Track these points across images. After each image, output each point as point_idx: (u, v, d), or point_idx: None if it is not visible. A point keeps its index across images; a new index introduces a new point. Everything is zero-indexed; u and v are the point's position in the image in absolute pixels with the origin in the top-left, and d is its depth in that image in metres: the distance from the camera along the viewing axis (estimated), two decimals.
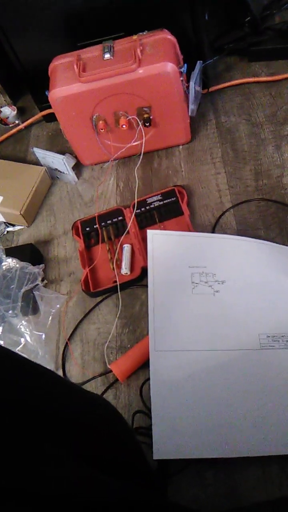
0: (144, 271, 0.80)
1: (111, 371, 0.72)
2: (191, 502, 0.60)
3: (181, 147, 0.97)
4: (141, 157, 0.88)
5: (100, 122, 0.89)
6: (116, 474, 0.45)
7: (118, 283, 0.79)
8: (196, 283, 0.71)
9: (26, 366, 0.44)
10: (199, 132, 0.98)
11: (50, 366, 0.76)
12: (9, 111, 1.11)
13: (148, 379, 0.69)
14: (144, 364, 0.72)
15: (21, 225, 0.95)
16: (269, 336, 0.67)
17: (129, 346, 0.76)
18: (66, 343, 0.78)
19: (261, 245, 0.74)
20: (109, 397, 0.72)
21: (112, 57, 0.82)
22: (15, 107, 1.11)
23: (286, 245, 0.77)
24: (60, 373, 0.76)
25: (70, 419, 0.44)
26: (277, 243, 0.77)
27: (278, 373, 0.65)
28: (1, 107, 1.12)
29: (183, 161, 0.95)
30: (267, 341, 0.67)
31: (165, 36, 0.83)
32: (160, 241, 0.75)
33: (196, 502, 0.61)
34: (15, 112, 1.10)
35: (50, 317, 0.77)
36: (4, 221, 0.95)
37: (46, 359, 0.75)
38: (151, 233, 0.76)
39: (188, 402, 0.63)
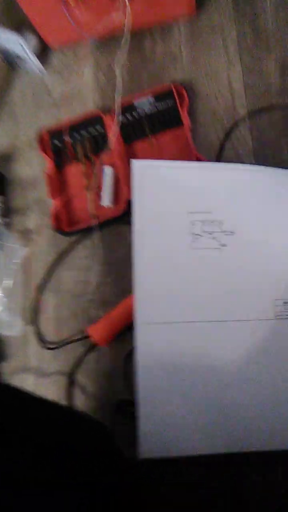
0: (131, 206, 0.63)
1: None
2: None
3: (182, 26, 0.71)
4: (126, 38, 0.63)
5: None
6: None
7: (98, 221, 0.62)
8: (198, 235, 0.54)
9: None
10: (207, 1, 0.71)
11: (16, 322, 0.63)
12: None
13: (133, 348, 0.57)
14: (131, 326, 0.59)
15: None
16: (286, 303, 0.53)
17: (112, 300, 0.62)
18: (36, 294, 0.64)
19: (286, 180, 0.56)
20: (90, 362, 0.61)
21: None
22: None
23: None
24: (31, 330, 0.64)
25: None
26: None
27: None
28: None
29: (184, 44, 0.70)
30: (284, 308, 0.53)
31: None
32: (150, 175, 0.56)
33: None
34: None
35: (12, 271, 0.61)
36: None
37: (10, 314, 0.62)
38: (137, 165, 0.56)
39: (185, 387, 0.52)
